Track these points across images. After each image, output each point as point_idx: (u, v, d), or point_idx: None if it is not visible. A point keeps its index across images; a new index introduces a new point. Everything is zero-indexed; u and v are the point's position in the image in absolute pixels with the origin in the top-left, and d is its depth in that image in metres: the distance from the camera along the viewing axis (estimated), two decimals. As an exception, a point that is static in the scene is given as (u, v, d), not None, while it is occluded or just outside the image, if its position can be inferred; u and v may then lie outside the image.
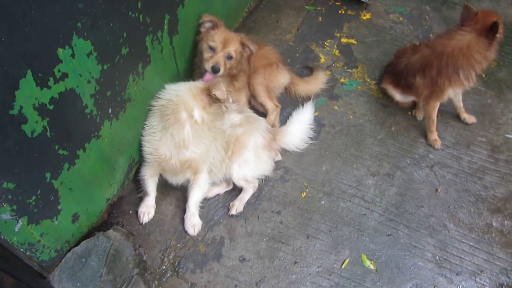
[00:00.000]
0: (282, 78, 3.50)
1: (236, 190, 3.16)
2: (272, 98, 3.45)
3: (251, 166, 3.05)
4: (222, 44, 2.95)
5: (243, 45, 3.06)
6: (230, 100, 2.89)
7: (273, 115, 3.42)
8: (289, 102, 3.66)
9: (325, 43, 4.09)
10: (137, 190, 3.01)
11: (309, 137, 3.40)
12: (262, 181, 3.19)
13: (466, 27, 2.98)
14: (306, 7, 4.34)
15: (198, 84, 2.77)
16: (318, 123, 3.54)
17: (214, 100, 2.70)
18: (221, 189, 3.16)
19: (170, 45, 2.79)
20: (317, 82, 3.72)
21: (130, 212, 2.97)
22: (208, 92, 2.69)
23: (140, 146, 2.87)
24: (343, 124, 3.56)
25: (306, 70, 3.89)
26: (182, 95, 2.72)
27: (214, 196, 3.13)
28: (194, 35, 3.08)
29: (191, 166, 2.84)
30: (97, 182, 2.60)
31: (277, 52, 3.61)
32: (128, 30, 2.30)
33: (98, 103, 2.29)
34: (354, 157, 3.38)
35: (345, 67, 3.92)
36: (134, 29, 2.36)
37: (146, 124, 2.83)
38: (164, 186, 3.04)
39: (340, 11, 4.34)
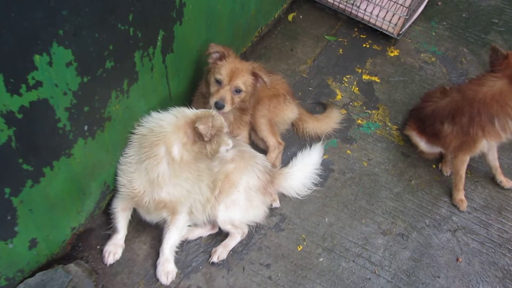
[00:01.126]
0: (290, 112, 3.64)
1: (221, 235, 3.23)
2: (275, 133, 3.57)
3: (240, 209, 3.13)
4: (229, 77, 3.08)
5: (255, 76, 3.17)
6: (227, 147, 2.96)
7: (275, 153, 3.54)
8: (295, 141, 3.78)
9: (344, 78, 4.26)
10: (108, 223, 3.12)
11: (313, 182, 3.49)
12: (253, 228, 3.27)
13: (496, 72, 3.13)
14: (326, 37, 4.58)
15: (187, 113, 2.87)
16: (326, 168, 3.64)
17: (197, 135, 2.78)
18: (205, 232, 3.24)
19: (163, 64, 2.99)
20: (330, 121, 3.85)
21: (98, 247, 3.06)
22: (193, 125, 2.78)
23: (116, 174, 3.02)
24: (355, 172, 3.66)
25: (319, 106, 4.04)
26: (165, 125, 2.82)
27: (196, 239, 3.21)
28: (192, 56, 3.29)
29: (166, 207, 2.94)
30: (62, 207, 2.70)
31: (287, 83, 3.78)
32: (115, 43, 2.46)
33: (73, 118, 2.42)
34: (363, 211, 3.45)
35: (364, 107, 4.07)
36: (122, 42, 2.54)
37: (124, 151, 2.97)
38: (139, 222, 3.16)
39: (364, 45, 4.55)
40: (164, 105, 3.14)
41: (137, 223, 3.18)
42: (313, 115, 3.88)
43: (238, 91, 3.11)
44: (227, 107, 3.08)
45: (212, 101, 3.06)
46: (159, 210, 2.96)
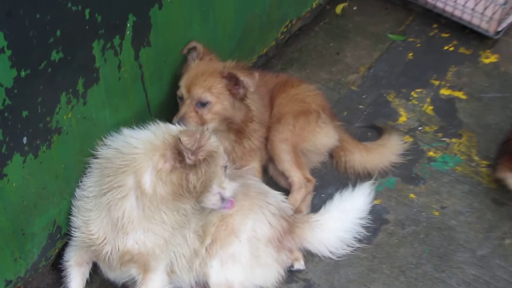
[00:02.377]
0: (324, 136, 3.71)
1: None
2: (301, 166, 3.63)
3: (242, 267, 3.18)
4: (187, 87, 3.22)
5: (230, 78, 3.27)
6: (223, 191, 2.99)
7: (300, 194, 3.59)
8: (333, 178, 3.81)
9: (413, 93, 4.31)
10: (62, 283, 3.23)
11: (356, 237, 3.51)
12: None
13: None
14: (390, 36, 4.68)
15: (170, 129, 2.97)
16: (377, 217, 3.66)
17: (178, 158, 2.82)
18: None
19: (135, 61, 3.13)
20: (386, 151, 3.88)
21: None
22: (177, 145, 2.79)
23: (70, 211, 3.14)
24: (419, 224, 3.66)
25: (372, 131, 4.07)
26: (136, 144, 2.88)
27: (179, 310, 3.28)
28: (180, 54, 3.43)
29: (134, 261, 3.01)
30: None
31: (323, 96, 3.87)
32: (64, 28, 2.59)
33: (6, 125, 2.52)
34: (429, 280, 3.43)
35: (440, 134, 4.09)
36: (75, 27, 2.65)
37: (81, 181, 3.08)
38: (103, 282, 3.25)
39: (446, 47, 4.60)
40: (140, 119, 3.25)
41: (101, 284, 3.28)
42: (362, 143, 3.91)
43: (203, 103, 3.22)
44: (190, 126, 3.15)
45: (174, 121, 3.15)
46: (125, 265, 3.03)
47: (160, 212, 2.92)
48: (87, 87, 2.93)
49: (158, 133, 2.95)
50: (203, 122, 3.21)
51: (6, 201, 2.77)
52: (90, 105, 2.99)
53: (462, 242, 3.61)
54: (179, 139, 2.76)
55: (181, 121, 3.16)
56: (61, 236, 3.21)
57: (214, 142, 2.94)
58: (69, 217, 3.14)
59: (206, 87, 3.23)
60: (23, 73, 2.52)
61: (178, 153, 2.83)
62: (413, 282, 3.44)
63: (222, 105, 3.28)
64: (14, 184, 2.76)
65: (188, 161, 2.81)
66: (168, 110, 3.50)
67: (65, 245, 3.23)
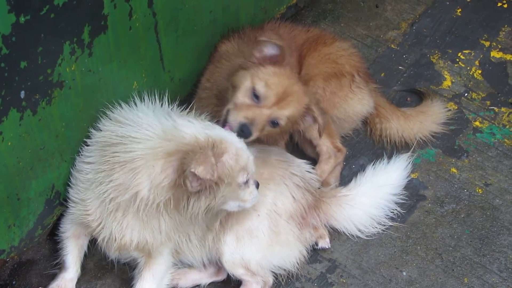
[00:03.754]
0: (358, 103, 3.55)
1: (231, 285, 3.17)
2: (332, 134, 3.49)
3: (260, 244, 3.06)
4: (277, 99, 2.98)
5: (307, 112, 3.09)
6: (243, 204, 2.81)
7: (329, 164, 3.46)
8: (366, 148, 3.70)
9: (459, 54, 4.12)
10: (59, 253, 3.12)
11: (388, 214, 3.39)
12: (282, 278, 3.19)
13: None
14: (437, -12, 4.43)
15: (182, 134, 2.67)
16: (413, 193, 3.53)
17: (184, 178, 2.59)
18: (204, 277, 3.19)
19: (149, 8, 2.94)
20: (427, 119, 3.73)
21: None
22: (183, 165, 2.57)
23: (70, 176, 2.99)
24: (460, 202, 3.53)
25: (412, 96, 3.93)
26: (139, 146, 2.69)
27: (190, 288, 3.19)
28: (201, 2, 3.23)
29: (136, 249, 2.92)
30: None
31: (359, 56, 3.68)
32: None
33: (2, 77, 2.39)
34: (468, 264, 3.31)
35: (488, 102, 3.93)
36: None
37: (83, 147, 2.93)
38: (103, 256, 3.12)
39: (500, 4, 4.38)
40: (151, 74, 3.13)
41: (102, 257, 3.17)
42: (400, 109, 3.75)
43: (275, 123, 2.99)
44: (253, 138, 2.93)
45: (236, 120, 2.88)
46: (124, 252, 2.97)
47: (156, 219, 2.80)
48: (94, 36, 2.77)
49: (167, 134, 2.69)
50: (260, 134, 3.00)
51: (0, 162, 2.65)
52: (96, 56, 2.83)
53: (507, 224, 3.49)
54: (192, 171, 2.50)
55: (251, 124, 2.89)
56: (60, 202, 3.09)
57: (230, 160, 2.67)
58: (69, 183, 3.01)
59: (291, 111, 2.99)
60: (22, 19, 2.39)
61: (182, 171, 2.58)
62: (450, 266, 3.34)
63: (284, 131, 3.14)
64: (9, 144, 2.64)
65: (190, 189, 2.58)
66: (183, 65, 3.39)
67: (64, 212, 3.11)
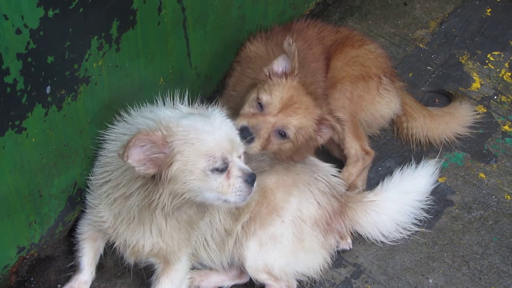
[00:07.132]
0: (385, 106, 3.51)
1: (254, 287, 3.14)
2: (360, 136, 3.46)
3: (284, 250, 3.03)
4: (282, 106, 2.96)
5: (320, 123, 3.05)
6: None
7: (357, 167, 3.43)
8: (393, 149, 3.67)
9: (489, 56, 4.07)
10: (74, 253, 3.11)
11: (415, 220, 3.35)
12: (306, 284, 3.16)
13: None
14: (467, -13, 4.36)
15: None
16: (440, 198, 3.49)
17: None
18: (226, 280, 3.17)
19: (178, 3, 2.92)
20: (454, 121, 3.69)
21: (59, 286, 3.06)
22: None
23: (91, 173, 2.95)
24: (489, 208, 3.47)
25: (440, 97, 3.89)
26: (128, 134, 2.67)
27: (212, 291, 3.16)
28: None
29: (151, 255, 2.91)
30: (5, 212, 2.67)
31: (387, 57, 3.63)
32: None
33: (29, 72, 2.40)
34: (496, 274, 3.27)
35: None
36: None
37: (105, 144, 2.88)
38: (120, 258, 3.09)
39: None
40: (178, 71, 3.11)
41: (117, 260, 3.16)
42: (428, 109, 3.70)
43: (282, 134, 2.95)
44: (256, 145, 2.90)
45: (238, 123, 2.88)
46: (140, 258, 2.96)
47: (155, 221, 2.74)
48: (122, 31, 2.76)
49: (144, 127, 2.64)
50: (264, 148, 2.95)
51: (23, 158, 2.63)
52: (123, 52, 2.82)
53: (537, 232, 3.43)
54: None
55: (253, 128, 2.88)
56: (82, 200, 3.07)
57: (183, 144, 2.53)
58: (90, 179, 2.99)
59: (299, 121, 2.96)
60: (51, 13, 2.37)
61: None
62: (477, 274, 3.29)
63: (293, 145, 3.03)
64: (33, 140, 2.62)
65: (140, 173, 2.51)
66: (210, 61, 3.37)
67: (82, 213, 3.11)
